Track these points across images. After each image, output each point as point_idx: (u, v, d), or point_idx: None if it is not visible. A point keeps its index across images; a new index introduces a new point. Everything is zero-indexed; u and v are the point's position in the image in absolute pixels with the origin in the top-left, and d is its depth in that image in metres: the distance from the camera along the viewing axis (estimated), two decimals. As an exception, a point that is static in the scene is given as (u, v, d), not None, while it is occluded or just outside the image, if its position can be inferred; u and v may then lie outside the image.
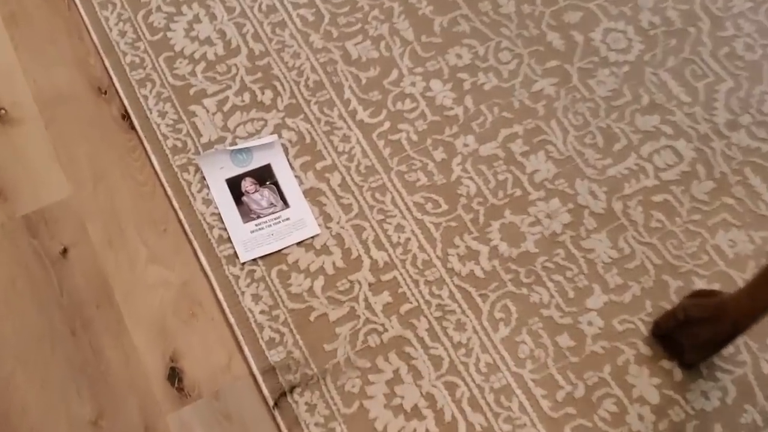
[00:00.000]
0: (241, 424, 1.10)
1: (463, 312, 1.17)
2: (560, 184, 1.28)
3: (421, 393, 1.11)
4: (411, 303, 1.18)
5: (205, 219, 1.24)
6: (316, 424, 1.09)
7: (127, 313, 1.16)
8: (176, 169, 1.28)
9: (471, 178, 1.28)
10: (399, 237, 1.23)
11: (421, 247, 1.22)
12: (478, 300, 1.18)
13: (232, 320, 1.17)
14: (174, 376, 1.13)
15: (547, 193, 1.26)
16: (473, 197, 1.26)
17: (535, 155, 1.30)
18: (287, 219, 1.23)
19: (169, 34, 1.39)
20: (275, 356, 1.14)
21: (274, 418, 1.10)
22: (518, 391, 1.10)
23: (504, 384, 1.11)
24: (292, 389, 1.11)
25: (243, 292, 1.19)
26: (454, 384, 1.12)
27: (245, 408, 1.11)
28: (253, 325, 1.16)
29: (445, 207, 1.26)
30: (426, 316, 1.17)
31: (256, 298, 1.18)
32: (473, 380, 1.11)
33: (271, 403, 1.10)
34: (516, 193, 1.27)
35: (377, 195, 1.26)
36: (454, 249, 1.22)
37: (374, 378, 1.12)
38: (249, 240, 1.21)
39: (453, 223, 1.24)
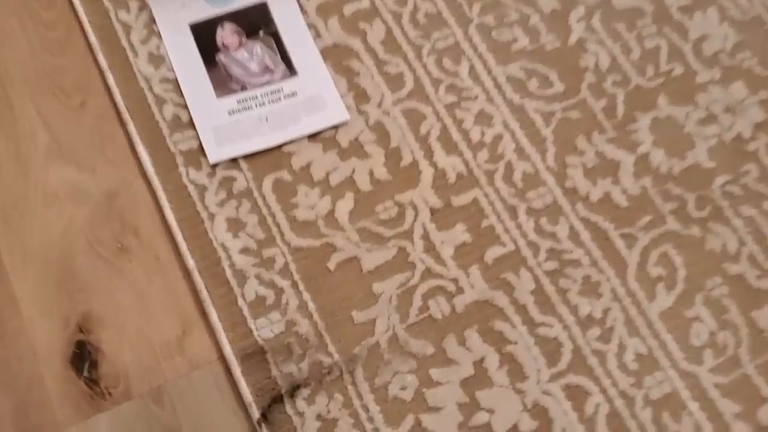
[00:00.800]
0: None
1: (594, 264, 0.66)
2: (745, 59, 0.75)
3: (525, 406, 0.62)
4: (503, 245, 0.66)
5: (151, 88, 0.71)
6: None
7: (6, 245, 0.65)
8: (107, 4, 0.74)
9: (601, 43, 0.75)
10: (483, 133, 0.72)
11: (519, 151, 0.70)
12: (620, 244, 0.68)
13: (190, 262, 0.65)
14: (82, 358, 0.63)
15: (725, 73, 0.73)
16: (606, 74, 0.74)
17: (703, 13, 0.77)
18: (292, 94, 0.70)
19: None
20: (266, 330, 0.63)
21: None
22: (692, 406, 0.60)
23: (667, 392, 0.61)
24: (293, 390, 0.61)
25: (212, 215, 0.67)
26: (583, 391, 0.63)
27: (207, 420, 0.61)
28: (228, 273, 0.65)
29: (559, 87, 0.74)
30: (530, 270, 0.65)
31: (236, 225, 0.67)
32: (615, 385, 0.63)
33: (255, 414, 0.60)
34: (675, 71, 0.74)
35: (447, 61, 0.73)
36: (577, 157, 0.70)
37: (440, 374, 0.64)
38: (225, 126, 0.69)
39: (574, 114, 0.72)
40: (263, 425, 0.62)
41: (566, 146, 0.73)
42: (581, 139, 0.74)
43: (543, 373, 0.64)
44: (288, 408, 0.63)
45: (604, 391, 0.64)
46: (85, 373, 0.64)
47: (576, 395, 0.64)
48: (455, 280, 0.68)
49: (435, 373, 0.64)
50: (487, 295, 0.67)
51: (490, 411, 0.63)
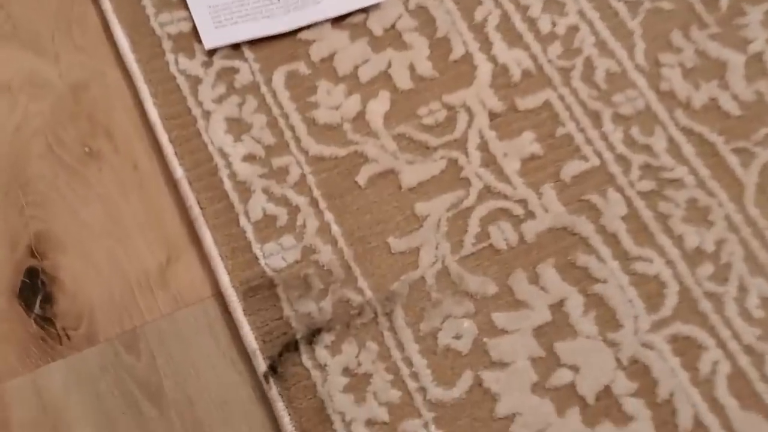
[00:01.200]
0: (180, 416, 0.43)
1: (702, 184, 0.52)
2: None
3: (619, 362, 0.49)
4: (585, 159, 0.51)
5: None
6: (369, 423, 0.42)
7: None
8: None
9: None
10: (554, 23, 0.56)
11: (601, 46, 0.55)
12: (733, 161, 0.53)
13: (178, 171, 0.50)
14: (33, 290, 0.48)
15: None
16: (707, -44, 0.59)
17: None
18: (313, -33, 0.55)
19: None
20: (276, 258, 0.48)
21: (264, 401, 0.43)
22: None
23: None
24: (312, 335, 0.45)
25: (207, 114, 0.52)
26: (695, 345, 0.50)
27: (196, 373, 0.45)
28: (228, 186, 0.50)
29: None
30: (620, 190, 0.50)
31: (237, 127, 0.53)
32: (737, 337, 0.50)
33: (261, 366, 0.43)
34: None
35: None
36: (673, 55, 0.55)
37: (506, 320, 0.50)
38: (226, 4, 0.53)
39: (666, 4, 0.56)
40: (271, 380, 0.46)
41: (658, 42, 0.58)
42: (676, 34, 0.58)
43: (642, 320, 0.48)
44: (305, 358, 0.47)
45: (722, 344, 0.48)
46: (37, 310, 0.48)
47: (686, 349, 0.48)
48: (523, 202, 0.52)
49: (499, 318, 0.48)
50: (566, 221, 0.51)
51: (574, 368, 0.47)
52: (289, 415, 0.45)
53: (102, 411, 0.46)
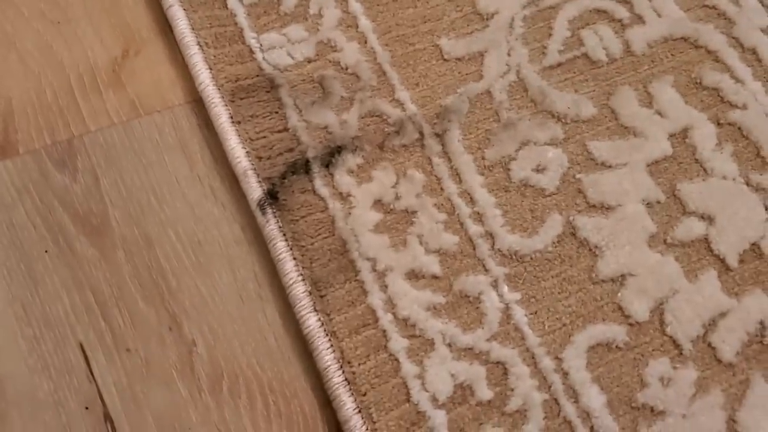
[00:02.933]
0: (131, 259, 0.28)
1: None
2: None
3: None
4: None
5: None
6: (412, 276, 0.27)
7: None
8: None
9: None
10: None
11: None
12: None
13: None
14: None
15: None
16: None
17: None
18: None
19: None
20: (279, 53, 0.35)
21: (256, 242, 0.28)
22: None
23: None
24: (330, 156, 0.29)
25: None
26: None
27: (156, 201, 0.29)
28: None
29: None
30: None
31: None
32: None
33: (254, 191, 0.28)
34: None
35: None
36: None
37: (609, 150, 0.36)
38: None
39: None
40: (269, 210, 0.31)
41: None
42: None
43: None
44: (318, 184, 0.32)
45: None
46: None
47: None
48: (628, 3, 0.37)
49: (598, 147, 0.33)
50: (687, 30, 0.36)
51: (708, 217, 0.32)
52: (294, 258, 0.30)
53: (15, 246, 0.31)
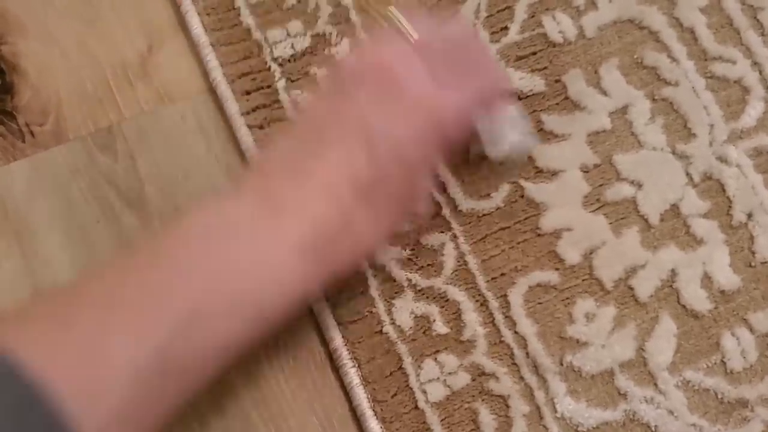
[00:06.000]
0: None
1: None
2: None
3: (690, 178, 0.45)
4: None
5: None
6: None
7: None
8: None
9: None
10: None
11: None
12: None
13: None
14: (-12, 74, 0.41)
15: None
16: None
17: None
18: None
19: None
20: (282, 46, 0.40)
21: None
22: None
23: None
24: None
25: None
26: None
27: (183, 176, 0.40)
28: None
29: None
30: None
31: None
32: None
33: None
34: None
35: None
36: None
37: (557, 123, 0.45)
38: None
39: None
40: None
41: None
42: None
43: (718, 130, 0.42)
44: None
45: (814, 160, 0.41)
46: (-7, 100, 0.42)
47: (770, 165, 0.41)
48: (583, -11, 0.44)
49: (549, 121, 0.41)
50: (633, 12, 0.44)
51: (636, 183, 0.40)
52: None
53: (73, 218, 0.41)
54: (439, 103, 0.34)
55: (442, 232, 0.41)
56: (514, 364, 0.39)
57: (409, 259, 0.40)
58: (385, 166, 0.33)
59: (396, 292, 0.40)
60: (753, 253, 0.41)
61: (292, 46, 0.43)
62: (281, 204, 0.32)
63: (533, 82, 0.43)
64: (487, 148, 0.39)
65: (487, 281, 0.40)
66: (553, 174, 0.42)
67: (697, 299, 0.40)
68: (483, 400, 0.39)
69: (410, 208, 0.37)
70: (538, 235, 0.41)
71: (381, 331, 0.39)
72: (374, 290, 0.40)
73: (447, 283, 0.40)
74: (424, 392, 0.38)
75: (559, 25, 0.44)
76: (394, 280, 0.40)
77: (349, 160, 0.33)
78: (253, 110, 0.42)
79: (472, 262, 0.40)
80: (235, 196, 0.33)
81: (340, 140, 0.33)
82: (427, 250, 0.40)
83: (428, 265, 0.40)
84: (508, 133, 0.38)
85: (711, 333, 0.40)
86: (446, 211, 0.41)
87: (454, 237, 0.41)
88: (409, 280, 0.40)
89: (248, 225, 0.32)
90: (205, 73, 0.44)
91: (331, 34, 0.43)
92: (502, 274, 0.40)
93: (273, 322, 0.33)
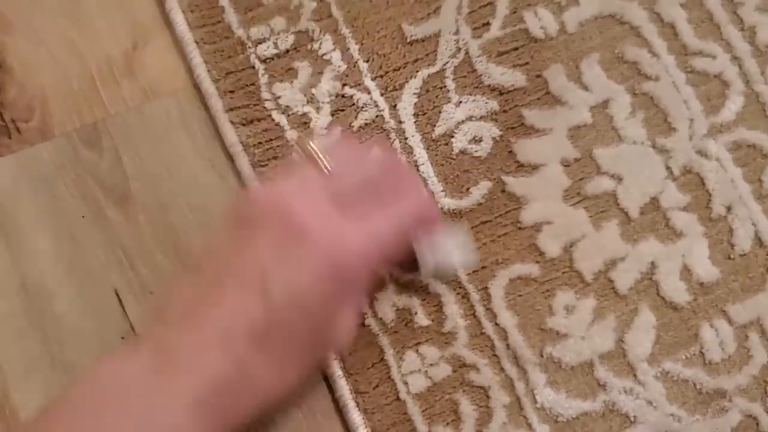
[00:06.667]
0: (150, 221, 0.39)
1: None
2: None
3: (670, 171, 0.46)
4: None
5: None
6: None
7: None
8: None
9: None
10: None
11: None
12: None
13: None
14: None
15: None
16: None
17: None
18: None
19: None
20: (265, 45, 0.41)
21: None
22: None
23: None
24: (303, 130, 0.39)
25: None
26: (760, 153, 0.47)
27: (167, 172, 0.41)
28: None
29: None
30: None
31: None
32: None
33: (246, 166, 0.37)
34: None
35: None
36: None
37: (538, 118, 0.46)
38: None
39: None
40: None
41: None
42: None
43: (698, 124, 0.42)
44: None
45: (792, 156, 0.42)
46: (-21, 98, 0.42)
47: (749, 159, 0.42)
48: (564, -15, 0.45)
49: (530, 116, 0.42)
50: (614, 8, 0.44)
51: (616, 177, 0.41)
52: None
53: (58, 213, 0.41)
54: (339, 242, 0.33)
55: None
56: (495, 355, 0.40)
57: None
58: (282, 312, 0.32)
59: (378, 287, 0.40)
60: (732, 245, 0.42)
61: (275, 44, 0.44)
62: (175, 358, 0.31)
63: (515, 78, 0.44)
64: (422, 271, 0.38)
65: (468, 274, 0.41)
66: (534, 168, 0.42)
67: (677, 291, 0.41)
68: (464, 391, 0.39)
69: (322, 348, 0.36)
70: (519, 228, 0.41)
71: (363, 323, 0.40)
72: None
73: (428, 276, 0.40)
74: (406, 383, 0.39)
75: (540, 21, 0.45)
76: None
77: (245, 307, 0.31)
78: (237, 107, 0.43)
79: (454, 256, 0.41)
80: (131, 350, 0.32)
81: (236, 286, 0.32)
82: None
83: (411, 259, 0.41)
84: (440, 255, 0.38)
85: (690, 325, 0.41)
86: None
87: (435, 231, 0.41)
88: (391, 274, 0.40)
89: (142, 385, 0.31)
90: (190, 70, 0.44)
91: (314, 30, 0.44)
92: (483, 267, 0.41)
93: None
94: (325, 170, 0.35)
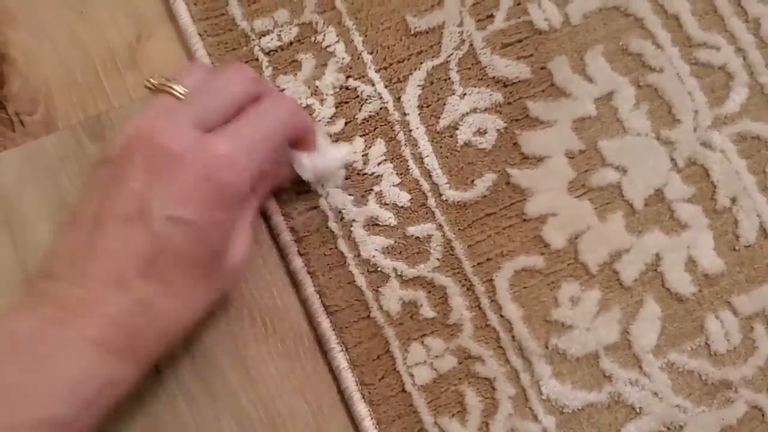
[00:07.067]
0: None
1: None
2: None
3: (675, 163, 0.46)
4: None
5: None
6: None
7: None
8: None
9: None
10: None
11: None
12: None
13: None
14: (-23, 63, 0.41)
15: None
16: None
17: None
18: None
19: None
20: (270, 37, 0.41)
21: None
22: None
23: None
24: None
25: None
26: (765, 145, 0.44)
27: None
28: None
29: None
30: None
31: None
32: None
33: None
34: None
35: None
36: None
37: (542, 109, 0.45)
38: None
39: None
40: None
41: None
42: None
43: (703, 116, 0.42)
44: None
45: (797, 144, 0.42)
46: (-17, 91, 0.42)
47: (753, 150, 0.42)
48: (568, -23, 0.44)
49: (535, 108, 0.42)
50: (618, 0, 0.44)
51: (621, 169, 0.41)
52: (283, 214, 0.40)
53: (63, 206, 0.42)
54: (210, 158, 0.32)
55: (428, 221, 0.41)
56: (500, 347, 0.40)
57: (395, 248, 0.41)
58: (168, 239, 0.32)
59: (383, 281, 0.40)
60: (737, 237, 0.42)
61: (279, 36, 0.44)
62: (71, 308, 0.31)
63: (519, 70, 0.44)
64: (303, 175, 0.39)
65: (473, 266, 0.41)
66: (539, 160, 0.42)
67: (682, 283, 0.41)
68: (469, 382, 0.39)
69: (220, 268, 0.35)
70: (524, 220, 0.41)
71: (368, 315, 0.40)
72: (361, 281, 0.40)
73: (434, 269, 0.41)
74: (411, 375, 0.39)
75: (544, 13, 0.45)
76: (381, 271, 0.40)
77: (130, 242, 0.31)
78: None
79: (459, 248, 0.41)
80: (22, 310, 0.32)
81: (116, 224, 0.32)
82: (413, 239, 0.41)
83: (415, 253, 0.41)
84: (316, 160, 0.39)
85: (695, 316, 0.41)
86: (431, 202, 0.42)
87: (440, 226, 0.41)
88: (395, 269, 0.40)
89: (38, 337, 0.30)
90: (193, 61, 0.44)
91: (317, 22, 0.44)
92: (488, 259, 0.41)
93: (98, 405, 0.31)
94: (179, 96, 0.35)
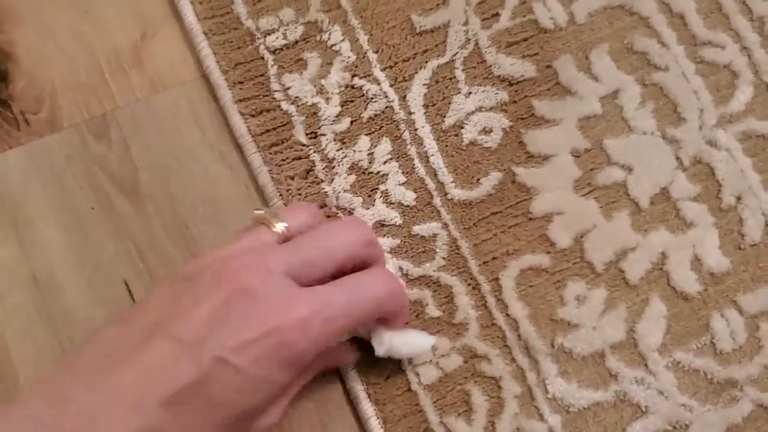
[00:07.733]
0: (159, 213, 0.39)
1: None
2: None
3: (680, 162, 0.46)
4: None
5: None
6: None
7: None
8: None
9: None
10: None
11: None
12: None
13: None
14: (-18, 62, 0.42)
15: None
16: None
17: None
18: None
19: None
20: (275, 35, 0.41)
21: (259, 197, 0.38)
22: None
23: None
24: (316, 128, 0.38)
25: None
26: None
27: (178, 164, 0.41)
28: None
29: None
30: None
31: None
32: None
33: (255, 162, 0.37)
34: None
35: None
36: None
37: (548, 107, 0.46)
38: None
39: None
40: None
41: None
42: None
43: (708, 114, 0.42)
44: (310, 150, 0.41)
45: (803, 145, 0.42)
46: (-12, 89, 0.43)
47: (759, 149, 0.42)
48: (572, -24, 0.44)
49: (540, 106, 0.42)
50: (623, -2, 0.44)
51: (627, 167, 0.41)
52: (288, 209, 0.40)
53: (68, 205, 0.41)
54: (286, 309, 0.30)
55: (434, 220, 0.41)
56: (506, 346, 0.40)
57: (400, 247, 0.41)
58: (207, 374, 0.29)
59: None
60: (742, 235, 0.42)
61: (284, 35, 0.44)
62: (73, 414, 0.28)
63: (524, 68, 0.44)
64: (376, 348, 0.36)
65: (479, 265, 0.41)
66: (545, 159, 0.42)
67: (687, 281, 0.41)
68: (475, 381, 0.39)
69: (253, 424, 0.32)
70: (530, 219, 0.41)
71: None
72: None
73: (439, 268, 0.41)
74: (417, 374, 0.39)
75: (549, 12, 0.45)
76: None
77: (171, 366, 0.29)
78: (246, 98, 0.43)
79: (464, 247, 0.41)
80: (24, 398, 0.28)
81: (165, 341, 0.29)
82: (418, 238, 0.41)
83: (421, 252, 0.41)
84: (396, 342, 0.37)
85: (701, 315, 0.41)
86: (437, 200, 0.42)
87: (446, 225, 0.41)
88: (401, 268, 0.41)
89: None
90: (199, 61, 0.44)
91: (323, 21, 0.44)
92: (494, 258, 0.41)
93: None
94: (279, 231, 0.33)
